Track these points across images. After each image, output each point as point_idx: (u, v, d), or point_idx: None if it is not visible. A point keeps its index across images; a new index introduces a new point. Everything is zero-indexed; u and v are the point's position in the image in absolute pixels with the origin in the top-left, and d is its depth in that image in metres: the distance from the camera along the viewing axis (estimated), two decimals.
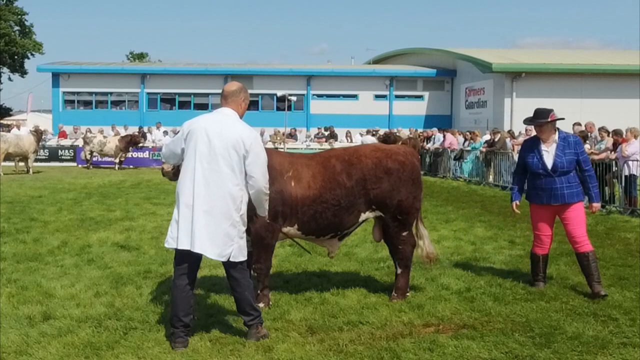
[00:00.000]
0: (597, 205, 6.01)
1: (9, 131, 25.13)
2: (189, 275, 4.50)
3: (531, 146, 6.04)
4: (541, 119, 5.91)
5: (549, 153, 5.91)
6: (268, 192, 4.63)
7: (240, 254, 4.47)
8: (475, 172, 18.92)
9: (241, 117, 4.63)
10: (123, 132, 25.58)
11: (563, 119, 6.08)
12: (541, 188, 5.95)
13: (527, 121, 6.08)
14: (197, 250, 4.36)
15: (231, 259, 4.42)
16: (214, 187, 4.35)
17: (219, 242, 4.36)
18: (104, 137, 23.94)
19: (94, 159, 23.92)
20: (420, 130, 28.29)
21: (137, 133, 24.62)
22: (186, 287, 4.49)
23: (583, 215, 5.95)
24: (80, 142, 25.93)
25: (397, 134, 26.03)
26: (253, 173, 4.43)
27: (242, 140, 4.38)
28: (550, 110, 5.95)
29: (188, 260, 4.46)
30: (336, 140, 26.86)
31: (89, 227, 9.42)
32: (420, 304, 5.48)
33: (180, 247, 4.39)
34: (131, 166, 23.88)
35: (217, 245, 4.36)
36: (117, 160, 23.30)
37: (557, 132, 5.97)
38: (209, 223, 4.34)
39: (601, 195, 12.53)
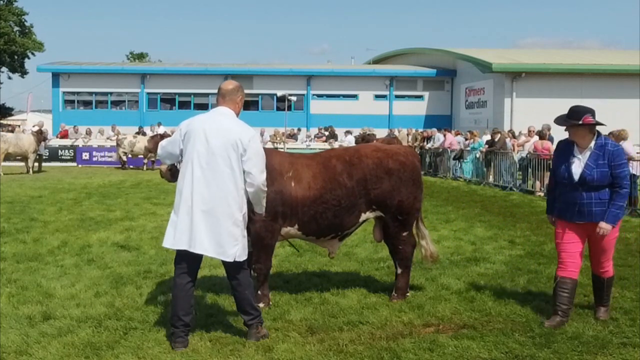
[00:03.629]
0: (605, 226, 4.91)
1: (11, 131, 25.15)
2: (189, 275, 4.51)
3: (564, 150, 5.13)
4: (573, 119, 5.00)
5: (580, 161, 5.00)
6: (266, 189, 4.61)
7: (243, 253, 4.49)
8: (475, 172, 18.92)
9: (237, 115, 4.61)
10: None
11: (602, 124, 5.05)
12: (566, 201, 5.08)
13: (559, 120, 5.14)
14: (197, 251, 4.37)
15: (237, 259, 4.43)
16: (215, 188, 4.34)
17: (223, 242, 4.36)
18: (134, 137, 23.89)
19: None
20: (420, 130, 28.31)
21: (165, 133, 24.35)
22: (187, 286, 4.49)
23: (612, 239, 5.11)
24: (80, 142, 25.97)
25: (397, 134, 26.15)
26: (251, 171, 4.41)
27: (240, 138, 4.37)
28: (587, 112, 4.98)
29: (188, 259, 4.46)
30: (336, 140, 26.88)
31: (89, 227, 9.42)
32: (420, 304, 5.48)
33: (178, 248, 4.39)
34: (131, 166, 23.87)
35: (221, 245, 4.36)
36: (145, 161, 23.25)
37: (595, 138, 5.02)
38: (211, 224, 4.33)
39: None
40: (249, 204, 4.60)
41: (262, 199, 4.63)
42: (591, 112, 4.99)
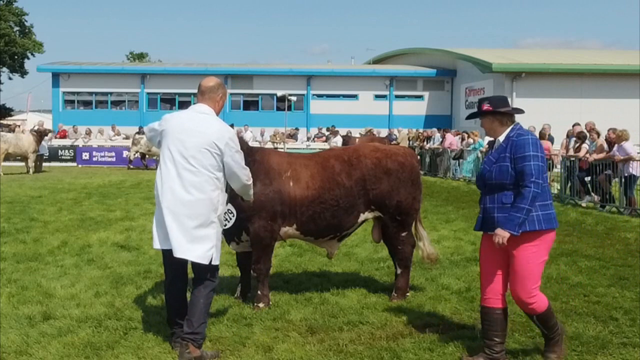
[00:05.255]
0: (502, 233, 3.89)
1: (11, 131, 25.15)
2: (178, 276, 4.41)
3: (489, 148, 4.44)
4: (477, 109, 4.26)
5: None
6: (250, 182, 4.45)
7: (217, 256, 4.31)
8: (475, 172, 18.92)
9: (217, 114, 4.41)
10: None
11: (506, 112, 4.17)
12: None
13: (469, 115, 4.53)
14: (178, 255, 4.20)
15: (213, 262, 4.25)
16: (191, 190, 4.18)
17: (199, 244, 4.19)
18: None
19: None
20: (420, 129, 28.33)
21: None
22: (178, 288, 4.43)
23: (530, 259, 3.97)
24: (80, 142, 25.96)
25: (397, 135, 26.14)
26: (232, 171, 4.27)
27: (215, 140, 4.20)
28: (486, 100, 4.25)
29: (174, 260, 4.31)
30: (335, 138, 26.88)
31: (89, 227, 9.42)
32: (420, 304, 5.48)
33: (163, 248, 4.31)
34: (132, 166, 23.86)
35: (197, 247, 4.19)
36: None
37: (509, 129, 4.17)
38: (187, 226, 4.18)
39: (597, 195, 12.58)
40: (249, 208, 4.53)
41: (249, 189, 4.52)
42: (491, 100, 4.23)
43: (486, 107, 4.18)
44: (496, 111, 4.15)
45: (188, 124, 4.29)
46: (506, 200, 4.03)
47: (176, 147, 4.24)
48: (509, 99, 26.38)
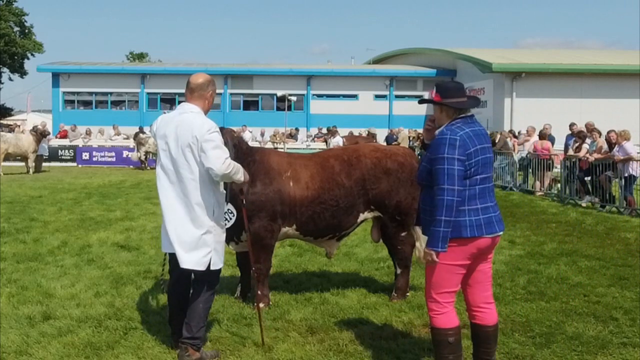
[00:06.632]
0: (428, 252, 3.57)
1: (11, 131, 25.14)
2: (182, 278, 4.38)
3: None
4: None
5: None
6: (229, 170, 4.05)
7: (219, 260, 4.24)
8: None
9: (206, 112, 4.22)
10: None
11: (441, 103, 3.79)
12: None
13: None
14: (184, 266, 4.15)
15: (212, 267, 4.17)
16: (180, 197, 4.11)
17: (194, 251, 4.13)
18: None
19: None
20: (420, 130, 28.30)
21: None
22: (181, 290, 4.41)
23: (434, 266, 3.65)
24: (79, 142, 25.92)
25: (398, 134, 26.12)
26: (210, 166, 3.99)
27: (195, 135, 4.01)
28: (438, 86, 3.86)
29: (178, 265, 4.27)
30: (334, 137, 26.83)
31: (89, 227, 9.42)
32: (420, 304, 5.47)
33: (165, 251, 4.32)
34: (131, 166, 23.84)
35: (193, 254, 4.13)
36: None
37: (448, 124, 3.75)
38: (181, 233, 4.12)
39: (597, 195, 12.58)
40: (252, 208, 4.50)
41: (233, 175, 4.14)
42: (441, 87, 3.82)
43: (434, 95, 3.80)
44: (442, 103, 3.76)
45: (171, 128, 4.14)
46: (423, 204, 3.79)
47: (163, 153, 4.19)
48: (509, 100, 26.24)
